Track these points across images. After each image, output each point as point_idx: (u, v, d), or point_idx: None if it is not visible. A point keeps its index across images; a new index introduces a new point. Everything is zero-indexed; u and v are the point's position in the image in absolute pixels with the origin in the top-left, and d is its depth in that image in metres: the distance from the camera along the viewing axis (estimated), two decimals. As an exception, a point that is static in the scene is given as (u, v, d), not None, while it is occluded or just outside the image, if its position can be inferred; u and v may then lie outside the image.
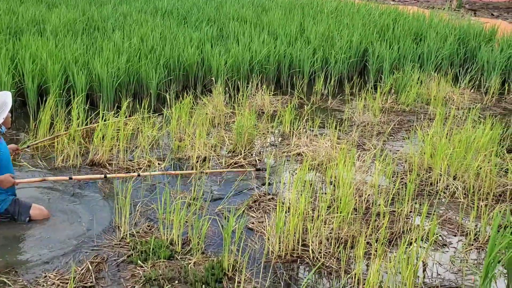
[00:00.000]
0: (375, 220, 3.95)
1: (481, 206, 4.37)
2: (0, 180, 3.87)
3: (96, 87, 6.67)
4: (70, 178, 4.30)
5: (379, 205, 4.25)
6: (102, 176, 4.40)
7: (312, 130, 6.01)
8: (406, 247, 3.56)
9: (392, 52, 8.32)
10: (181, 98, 6.37)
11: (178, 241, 3.55)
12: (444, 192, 4.66)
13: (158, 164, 4.97)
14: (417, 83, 7.60)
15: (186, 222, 3.81)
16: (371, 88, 7.51)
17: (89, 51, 7.36)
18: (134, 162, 4.96)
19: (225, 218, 3.96)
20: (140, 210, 4.05)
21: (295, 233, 3.65)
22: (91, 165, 4.93)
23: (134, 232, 3.73)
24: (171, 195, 4.20)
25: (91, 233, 3.76)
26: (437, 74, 8.33)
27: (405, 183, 4.78)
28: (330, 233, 3.76)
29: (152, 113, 6.19)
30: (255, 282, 3.23)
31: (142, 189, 4.45)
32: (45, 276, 3.26)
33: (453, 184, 4.67)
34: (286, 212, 3.82)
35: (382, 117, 6.75)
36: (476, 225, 4.13)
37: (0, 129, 4.05)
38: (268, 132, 6.08)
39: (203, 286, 3.13)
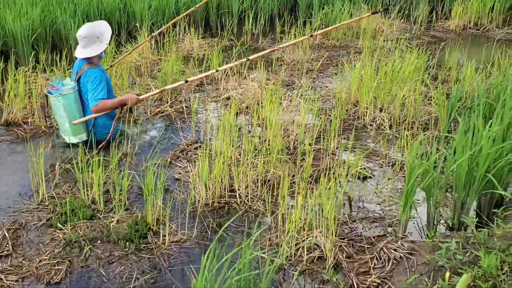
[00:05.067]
0: (302, 159, 3.95)
1: (407, 135, 4.44)
2: (127, 98, 4.24)
3: (10, 43, 6.23)
4: (186, 81, 4.66)
5: (308, 144, 4.24)
6: (214, 71, 4.95)
7: (241, 73, 5.87)
8: (328, 182, 3.59)
9: (321, -14, 8.15)
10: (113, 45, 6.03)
11: (100, 200, 3.43)
12: (370, 125, 4.69)
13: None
14: (346, 16, 7.52)
15: (110, 179, 3.68)
16: (301, 24, 7.38)
17: (-1, 4, 6.83)
18: (53, 119, 4.71)
19: (148, 170, 3.85)
20: (59, 171, 3.87)
21: (222, 179, 3.59)
22: (6, 125, 4.65)
23: (54, 194, 3.56)
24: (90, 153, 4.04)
25: (8, 198, 3.57)
26: (367, 6, 8.27)
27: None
28: (257, 176, 3.73)
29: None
30: (181, 233, 3.17)
31: (57, 149, 4.25)
32: (-42, 249, 3.09)
33: (380, 116, 4.70)
34: (213, 159, 3.74)
35: (312, 54, 6.68)
36: (402, 155, 4.20)
37: (100, 55, 4.39)
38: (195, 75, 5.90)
39: (127, 243, 3.05)
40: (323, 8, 7.92)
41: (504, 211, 2.97)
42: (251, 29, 7.47)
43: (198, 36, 6.97)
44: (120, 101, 4.26)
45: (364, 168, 3.98)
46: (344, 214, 3.41)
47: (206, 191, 3.51)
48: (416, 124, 4.61)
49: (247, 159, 3.74)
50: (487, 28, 8.01)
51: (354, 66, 5.51)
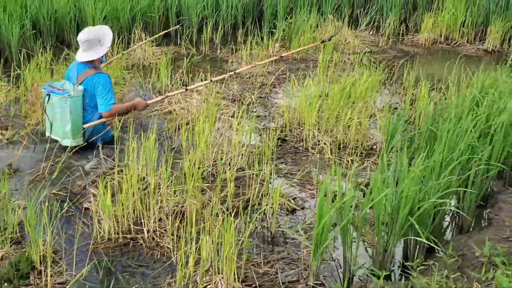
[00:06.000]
0: (225, 186, 3.63)
1: (348, 162, 4.15)
2: (137, 103, 4.33)
3: None
4: (186, 89, 4.78)
5: (239, 169, 3.94)
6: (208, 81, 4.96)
7: (186, 84, 5.56)
8: (251, 213, 3.29)
9: (286, -4, 7.84)
10: (50, 53, 5.69)
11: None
12: (313, 148, 4.39)
13: (1, 134, 4.41)
14: (310, 27, 7.21)
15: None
16: (265, 35, 7.06)
17: None
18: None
19: (56, 200, 3.53)
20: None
21: (135, 210, 3.28)
22: None
23: None
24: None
25: None
26: (335, 17, 7.99)
27: (278, 139, 4.48)
28: (176, 205, 3.41)
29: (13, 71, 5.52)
30: (67, 275, 2.84)
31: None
32: None
33: (322, 140, 4.40)
34: (128, 186, 3.41)
35: (269, 67, 6.37)
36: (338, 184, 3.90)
37: (102, 58, 4.47)
38: (141, 87, 5.59)
39: (5, 284, 2.72)
40: (286, 18, 7.61)
41: (425, 260, 2.68)
42: (209, 38, 7.15)
43: (151, 44, 6.64)
44: (131, 106, 4.33)
45: (295, 199, 3.67)
46: (259, 254, 3.09)
47: (115, 223, 3.19)
48: (360, 149, 4.32)
49: (165, 187, 3.43)
50: (458, 43, 7.75)
51: (303, 82, 5.21)
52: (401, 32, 7.99)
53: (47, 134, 4.21)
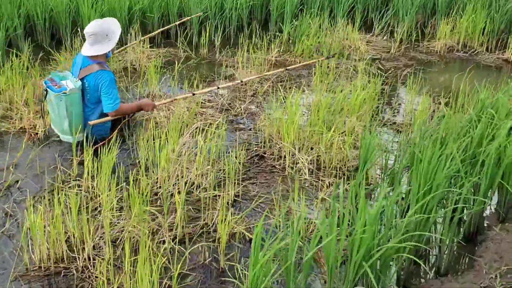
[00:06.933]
0: (194, 209, 3.31)
1: (327, 184, 3.77)
2: (145, 104, 4.26)
3: None
4: (193, 94, 4.66)
5: (202, 189, 3.61)
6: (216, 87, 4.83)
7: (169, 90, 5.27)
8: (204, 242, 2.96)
9: (294, -4, 7.43)
10: (26, 54, 5.50)
11: None
12: (291, 167, 4.02)
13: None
14: (316, 32, 6.80)
15: None
16: (266, 38, 6.71)
17: None
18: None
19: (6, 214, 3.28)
20: None
21: (73, 235, 3.00)
22: None
23: None
24: None
25: None
26: (347, 20, 7.55)
27: (256, 155, 4.15)
28: (121, 231, 3.11)
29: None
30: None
31: None
32: None
33: (301, 158, 4.03)
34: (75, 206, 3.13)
35: (268, 72, 5.99)
36: (312, 210, 3.53)
37: (107, 54, 4.38)
38: (129, 91, 5.33)
39: None
40: (292, 21, 7.22)
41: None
42: (211, 41, 6.84)
43: (146, 46, 6.37)
44: (138, 106, 4.25)
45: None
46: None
47: (48, 248, 2.92)
48: (343, 170, 3.93)
49: (107, 210, 3.13)
50: (476, 51, 7.19)
51: (300, 91, 4.85)
52: (414, 38, 7.47)
53: (52, 126, 4.14)
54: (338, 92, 4.78)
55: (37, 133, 4.30)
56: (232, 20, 7.35)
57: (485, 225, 3.37)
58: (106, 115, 4.13)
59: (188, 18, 6.77)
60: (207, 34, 6.72)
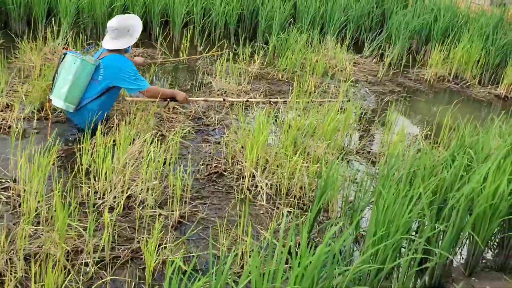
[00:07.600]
0: (131, 227, 2.96)
1: (283, 214, 3.43)
2: (179, 93, 4.46)
3: None
4: (224, 100, 4.90)
5: (145, 205, 3.27)
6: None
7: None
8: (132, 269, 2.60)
9: (284, 10, 7.14)
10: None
11: None
12: (249, 190, 3.69)
13: None
14: (305, 47, 6.51)
15: None
16: (248, 49, 6.39)
17: None
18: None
19: None
20: None
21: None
22: None
23: None
24: None
25: None
26: (337, 38, 7.27)
27: (216, 172, 3.81)
28: (41, 247, 2.76)
29: None
30: None
31: None
32: None
33: (260, 182, 3.69)
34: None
35: (247, 85, 5.68)
36: (260, 242, 3.19)
37: (127, 49, 4.45)
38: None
39: None
40: (279, 34, 6.92)
41: None
42: (193, 45, 6.52)
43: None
44: (172, 93, 4.46)
45: (197, 257, 2.97)
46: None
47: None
48: (305, 199, 3.60)
49: (25, 222, 2.78)
50: (468, 83, 6.91)
51: (263, 110, 4.52)
52: (404, 63, 7.18)
53: (51, 96, 4.10)
54: (314, 113, 4.47)
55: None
56: (218, 25, 7.04)
57: (452, 276, 3.05)
58: (105, 110, 4.15)
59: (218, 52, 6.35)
60: (189, 37, 6.41)
